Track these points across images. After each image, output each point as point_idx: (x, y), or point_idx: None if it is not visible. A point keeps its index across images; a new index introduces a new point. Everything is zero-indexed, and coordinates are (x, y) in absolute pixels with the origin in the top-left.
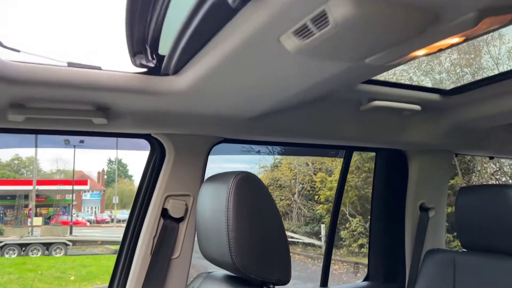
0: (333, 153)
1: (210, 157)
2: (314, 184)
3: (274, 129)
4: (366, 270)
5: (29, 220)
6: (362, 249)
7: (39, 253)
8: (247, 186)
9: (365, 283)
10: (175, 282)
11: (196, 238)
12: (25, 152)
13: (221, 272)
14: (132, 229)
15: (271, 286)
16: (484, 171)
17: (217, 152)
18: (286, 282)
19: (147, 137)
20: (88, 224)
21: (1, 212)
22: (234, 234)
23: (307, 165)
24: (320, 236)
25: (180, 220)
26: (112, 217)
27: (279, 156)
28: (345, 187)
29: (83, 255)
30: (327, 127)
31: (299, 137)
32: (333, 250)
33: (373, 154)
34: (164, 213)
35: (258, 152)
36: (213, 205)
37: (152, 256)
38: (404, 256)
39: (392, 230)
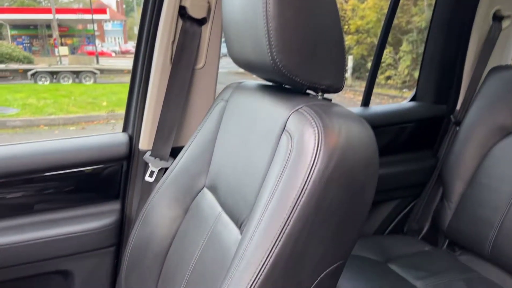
0: None
1: None
2: (345, 14)
3: None
4: (390, 101)
5: (56, 50)
6: (389, 81)
7: (70, 81)
8: None
9: (412, 103)
10: (201, 95)
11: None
12: None
13: (256, 81)
14: (146, 35)
15: (320, 93)
16: None
17: None
18: (338, 89)
19: None
20: (113, 54)
21: (28, 42)
22: (275, 24)
23: None
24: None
25: (202, 22)
26: None
27: None
28: (377, 16)
29: (111, 83)
30: None
31: None
32: (358, 82)
33: None
34: (183, 12)
35: None
36: None
37: (172, 65)
38: (461, 76)
39: (453, 43)
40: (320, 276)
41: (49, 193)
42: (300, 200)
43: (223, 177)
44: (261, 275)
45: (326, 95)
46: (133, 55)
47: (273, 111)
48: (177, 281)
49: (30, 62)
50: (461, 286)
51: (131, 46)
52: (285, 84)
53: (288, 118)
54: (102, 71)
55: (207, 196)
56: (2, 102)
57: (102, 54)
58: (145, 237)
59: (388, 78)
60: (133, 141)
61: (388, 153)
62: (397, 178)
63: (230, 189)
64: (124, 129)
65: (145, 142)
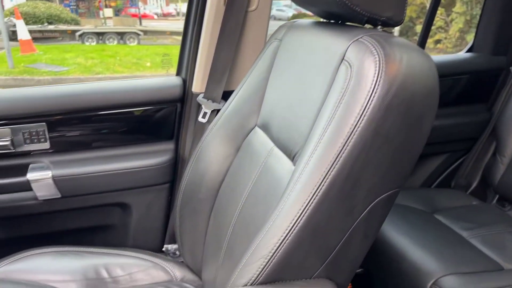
0: None
1: None
2: None
3: None
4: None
5: (101, 12)
6: (438, 45)
7: (115, 42)
8: None
9: (468, 54)
10: (253, 37)
11: None
12: None
13: (310, 19)
14: None
15: (379, 25)
16: None
17: None
18: (398, 22)
19: None
20: (155, 17)
21: (74, 4)
22: None
23: None
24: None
25: None
26: (178, 10)
27: None
28: None
29: (154, 44)
30: None
31: None
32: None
33: None
34: None
35: None
36: None
37: (226, 8)
38: None
39: None
40: (373, 203)
41: (112, 131)
42: (359, 126)
43: (276, 114)
44: (315, 198)
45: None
46: (174, 18)
47: (331, 43)
48: (229, 212)
49: (77, 23)
50: (510, 239)
51: (173, 8)
52: (343, 17)
53: (347, 48)
54: (145, 32)
55: (259, 134)
56: (53, 61)
57: (145, 16)
58: (199, 173)
59: (438, 42)
60: (186, 84)
61: (441, 106)
62: (448, 131)
63: (284, 124)
64: (178, 73)
65: (198, 84)
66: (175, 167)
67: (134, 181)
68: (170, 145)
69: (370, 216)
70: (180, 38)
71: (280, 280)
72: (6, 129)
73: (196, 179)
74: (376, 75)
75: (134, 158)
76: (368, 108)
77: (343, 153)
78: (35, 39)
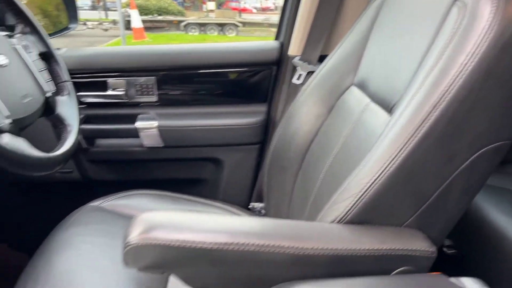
0: None
1: None
2: None
3: None
4: None
5: (204, 6)
6: None
7: (215, 33)
8: None
9: None
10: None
11: None
12: None
13: None
14: None
15: None
16: None
17: None
18: None
19: None
20: (254, 11)
21: None
22: None
23: None
24: None
25: None
26: (276, 4)
27: None
28: None
29: (252, 36)
30: None
31: None
32: None
33: None
34: None
35: None
36: None
37: None
38: None
39: None
40: (478, 153)
41: (211, 89)
42: (469, 65)
43: (375, 69)
44: (412, 140)
45: None
46: (272, 12)
47: None
48: (318, 168)
49: (182, 15)
50: None
51: (271, 3)
52: None
53: None
54: (244, 24)
55: (355, 93)
56: None
57: (244, 10)
58: (289, 132)
59: None
60: (283, 47)
61: None
62: None
63: (383, 77)
64: (277, 37)
65: (295, 48)
66: (267, 128)
67: (227, 138)
68: (263, 107)
69: (473, 168)
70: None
71: (368, 222)
72: (122, 81)
73: (287, 138)
74: (493, 12)
75: (229, 116)
76: (481, 47)
77: (448, 94)
78: (145, 28)
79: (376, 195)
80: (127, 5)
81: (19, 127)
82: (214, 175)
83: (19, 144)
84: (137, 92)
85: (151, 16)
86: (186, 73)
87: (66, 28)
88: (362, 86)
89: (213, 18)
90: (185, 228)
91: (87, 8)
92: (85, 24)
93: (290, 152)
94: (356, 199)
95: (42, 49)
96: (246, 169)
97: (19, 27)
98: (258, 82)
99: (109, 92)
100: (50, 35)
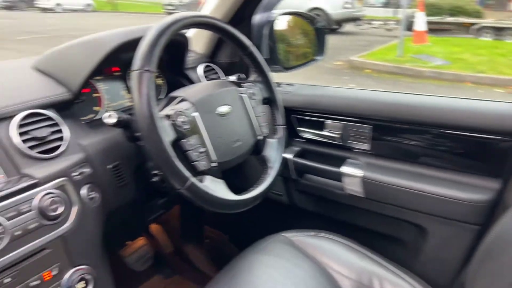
0: None
1: None
2: None
3: None
4: None
5: (510, 4)
6: None
7: None
8: None
9: None
10: None
11: None
12: None
13: None
14: None
15: None
16: None
17: None
18: None
19: None
20: None
21: None
22: None
23: None
24: None
25: None
26: None
27: None
28: None
29: None
30: None
31: None
32: None
33: None
34: None
35: None
36: None
37: None
38: None
39: None
40: None
41: (431, 149)
42: None
43: None
44: None
45: None
46: None
47: None
48: None
49: (477, 16)
50: None
51: None
52: None
53: None
54: None
55: None
56: (437, 54)
57: None
58: None
59: None
60: None
61: None
62: None
63: None
64: None
65: None
66: (492, 210)
67: (438, 209)
68: (494, 183)
69: None
70: None
71: None
72: (339, 124)
73: None
74: None
75: (446, 185)
76: None
77: None
78: (430, 30)
79: None
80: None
81: (222, 169)
82: (415, 242)
83: (217, 187)
84: (350, 137)
85: (439, 17)
86: (406, 127)
87: (312, 60)
88: None
89: None
90: None
91: (379, 5)
92: (369, 23)
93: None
94: None
95: (267, 95)
96: (455, 248)
97: (252, 76)
98: (495, 151)
99: (325, 132)
100: (295, 66)
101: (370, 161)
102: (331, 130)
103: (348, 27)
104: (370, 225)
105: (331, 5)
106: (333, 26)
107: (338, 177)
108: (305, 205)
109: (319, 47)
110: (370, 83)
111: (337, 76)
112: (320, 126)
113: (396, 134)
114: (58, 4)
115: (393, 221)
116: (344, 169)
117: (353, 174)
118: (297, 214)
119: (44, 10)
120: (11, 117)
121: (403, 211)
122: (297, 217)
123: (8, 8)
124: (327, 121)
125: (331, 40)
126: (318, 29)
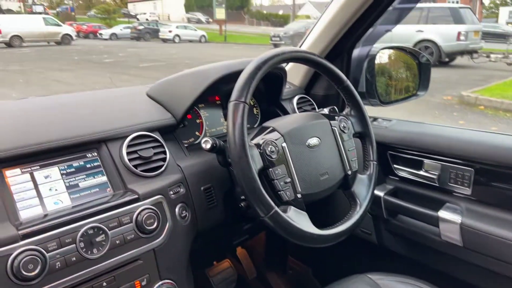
0: None
1: None
2: None
3: None
4: None
5: None
6: None
7: None
8: None
9: None
10: None
11: None
12: None
13: None
14: None
15: None
16: None
17: None
18: None
19: None
20: None
21: None
22: None
23: None
24: None
25: None
26: None
27: None
28: None
29: None
30: None
31: None
32: None
33: None
34: None
35: None
36: None
37: None
38: None
39: None
40: None
41: None
42: None
43: None
44: None
45: None
46: None
47: None
48: None
49: None
50: None
51: None
52: None
53: None
54: None
55: None
56: None
57: None
58: None
59: None
60: None
61: None
62: None
63: None
64: None
65: None
66: None
67: None
68: None
69: None
70: None
71: None
72: (438, 164)
73: None
74: None
75: None
76: None
77: None
78: None
79: None
80: None
81: (307, 202)
82: None
83: (300, 219)
84: (450, 179)
85: None
86: None
87: (414, 95)
88: None
89: None
90: None
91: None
92: (488, 56)
93: None
94: None
95: (360, 129)
96: None
97: (346, 110)
98: None
99: (422, 172)
100: (395, 101)
101: (471, 207)
102: (429, 170)
103: (462, 59)
104: (467, 278)
105: (443, 37)
106: (445, 59)
107: (434, 221)
108: (395, 247)
109: (422, 82)
110: (483, 120)
111: (445, 112)
112: (417, 165)
113: (502, 180)
114: (176, 35)
115: (495, 276)
116: (442, 213)
117: (452, 220)
118: (386, 256)
119: (165, 40)
120: (124, 137)
121: (508, 267)
122: (385, 258)
123: (136, 38)
124: (425, 160)
125: (441, 73)
126: (422, 64)
